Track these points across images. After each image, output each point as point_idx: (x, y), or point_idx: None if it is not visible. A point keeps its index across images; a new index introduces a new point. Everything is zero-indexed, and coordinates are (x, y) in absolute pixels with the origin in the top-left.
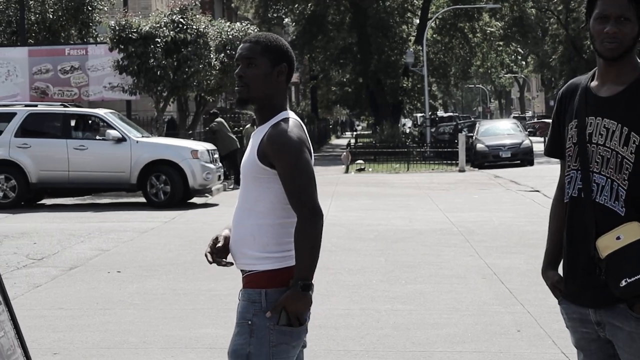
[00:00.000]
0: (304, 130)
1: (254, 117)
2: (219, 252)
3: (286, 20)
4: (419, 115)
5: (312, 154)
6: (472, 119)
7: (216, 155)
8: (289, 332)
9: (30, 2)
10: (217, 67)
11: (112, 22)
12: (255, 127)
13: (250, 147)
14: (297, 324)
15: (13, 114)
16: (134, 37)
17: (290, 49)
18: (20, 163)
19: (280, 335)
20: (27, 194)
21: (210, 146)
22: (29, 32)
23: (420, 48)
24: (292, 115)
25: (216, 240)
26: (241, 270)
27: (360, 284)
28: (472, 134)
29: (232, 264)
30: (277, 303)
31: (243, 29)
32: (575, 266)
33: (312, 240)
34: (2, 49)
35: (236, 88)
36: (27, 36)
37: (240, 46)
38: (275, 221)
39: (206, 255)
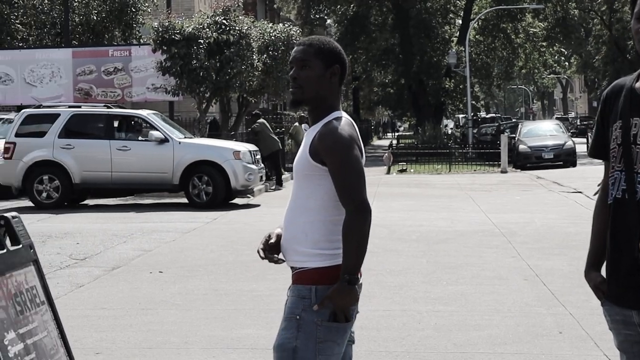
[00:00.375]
0: (355, 129)
1: (301, 115)
2: (271, 249)
3: (328, 21)
4: (461, 116)
5: (363, 152)
6: (515, 120)
7: (258, 156)
8: (335, 328)
9: (75, 4)
10: (260, 68)
11: (156, 23)
12: (303, 125)
13: (303, 145)
14: (343, 319)
15: (57, 115)
16: (177, 38)
17: (343, 51)
18: (63, 164)
19: (327, 331)
20: (71, 195)
21: (252, 147)
22: (73, 34)
23: (463, 49)
24: (344, 115)
25: (268, 237)
26: (291, 267)
27: (402, 285)
28: (514, 135)
29: (283, 260)
30: (325, 297)
31: (285, 30)
32: (618, 267)
33: (360, 236)
34: (47, 50)
35: (290, 90)
36: (71, 37)
37: (293, 49)
38: (326, 218)
39: (258, 252)
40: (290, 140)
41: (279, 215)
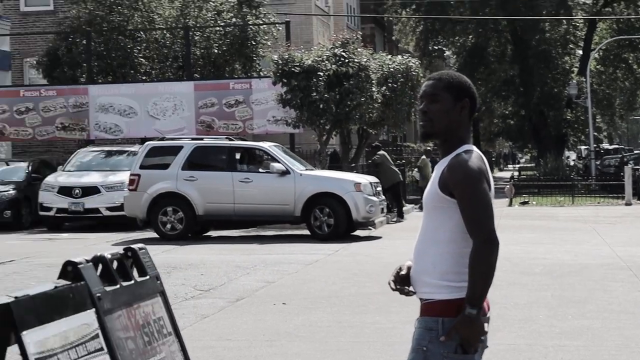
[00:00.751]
0: (484, 162)
1: (427, 148)
2: (402, 281)
3: (447, 52)
4: (583, 147)
5: (492, 185)
6: (638, 151)
7: (379, 188)
8: None
9: (196, 38)
10: (379, 100)
11: (275, 56)
12: (429, 157)
13: (433, 177)
14: (470, 350)
15: (180, 147)
16: (296, 70)
17: (472, 86)
18: (187, 195)
19: None
20: (194, 226)
21: (373, 179)
22: (195, 67)
23: (584, 79)
24: (474, 148)
25: (399, 269)
26: (420, 299)
27: (527, 318)
28: (638, 167)
29: (414, 292)
30: (450, 328)
31: (404, 62)
32: None
33: (486, 267)
34: (169, 83)
35: (420, 123)
36: (193, 70)
37: (423, 84)
38: (455, 250)
39: (389, 284)
40: (414, 172)
41: (400, 247)
